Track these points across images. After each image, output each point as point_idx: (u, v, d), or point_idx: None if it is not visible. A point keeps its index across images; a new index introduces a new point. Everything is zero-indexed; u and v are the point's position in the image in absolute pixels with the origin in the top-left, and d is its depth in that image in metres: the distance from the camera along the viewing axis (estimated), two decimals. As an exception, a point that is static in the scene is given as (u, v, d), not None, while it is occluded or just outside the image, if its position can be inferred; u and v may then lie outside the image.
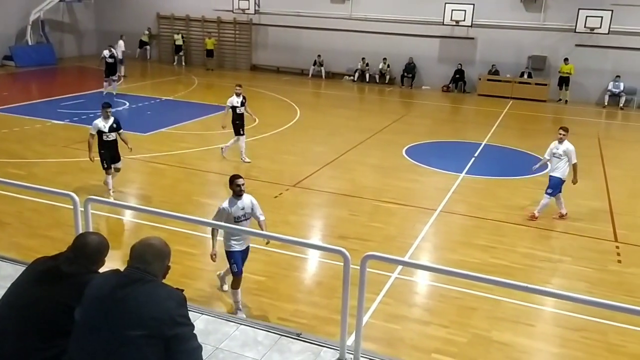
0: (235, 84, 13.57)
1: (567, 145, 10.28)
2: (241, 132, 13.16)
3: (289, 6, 27.28)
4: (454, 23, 24.46)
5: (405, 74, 26.08)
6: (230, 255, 6.74)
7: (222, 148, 13.43)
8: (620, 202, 11.65)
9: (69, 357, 3.11)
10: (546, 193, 10.39)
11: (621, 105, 23.12)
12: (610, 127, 21.11)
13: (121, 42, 24.81)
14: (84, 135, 14.64)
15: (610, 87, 23.30)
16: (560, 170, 10.27)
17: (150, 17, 30.23)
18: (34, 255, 3.82)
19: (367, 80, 26.58)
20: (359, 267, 4.18)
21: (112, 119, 10.41)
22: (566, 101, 23.84)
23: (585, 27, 22.75)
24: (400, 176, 12.80)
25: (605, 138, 17.78)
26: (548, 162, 10.75)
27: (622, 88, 23.07)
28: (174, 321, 3.01)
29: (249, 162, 13.08)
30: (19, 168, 12.05)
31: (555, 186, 10.32)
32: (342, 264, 4.18)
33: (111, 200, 9.87)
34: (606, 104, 23.27)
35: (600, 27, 22.53)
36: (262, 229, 6.75)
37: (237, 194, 6.75)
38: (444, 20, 24.35)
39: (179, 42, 29.38)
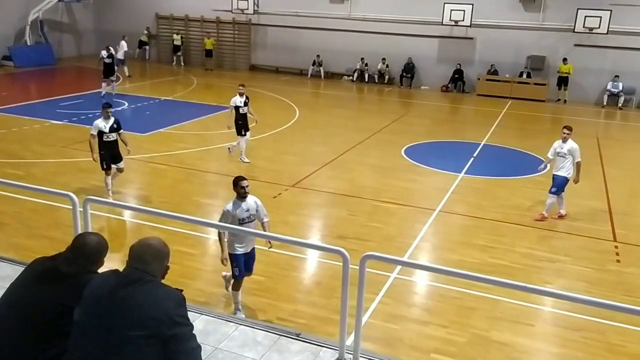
0: (239, 83, 13.54)
1: (571, 144, 10.29)
2: (243, 133, 13.13)
3: (288, 6, 27.28)
4: (453, 23, 24.47)
5: (404, 74, 26.08)
6: (233, 258, 6.68)
7: (229, 148, 13.40)
8: (619, 202, 11.65)
9: (68, 357, 3.10)
10: (550, 192, 10.39)
11: (620, 105, 23.14)
12: (609, 127, 21.13)
13: (123, 43, 24.78)
14: (83, 135, 14.65)
15: (609, 87, 23.32)
16: (565, 169, 10.28)
17: (149, 17, 30.22)
18: (33, 256, 3.81)
19: (366, 80, 26.58)
20: (358, 267, 4.17)
21: (112, 119, 10.39)
22: (565, 101, 23.85)
23: (584, 27, 22.76)
24: (399, 176, 12.81)
25: (604, 138, 17.78)
26: (550, 162, 10.72)
27: (620, 88, 23.09)
28: (173, 321, 3.01)
29: (248, 162, 13.07)
30: (17, 168, 12.04)
31: (560, 185, 10.33)
32: (341, 264, 4.18)
33: (110, 200, 9.86)
34: (605, 103, 23.29)
35: (599, 27, 22.54)
36: (264, 231, 6.72)
37: (242, 195, 6.67)
38: (443, 20, 24.36)
39: (178, 42, 29.36)
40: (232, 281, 6.94)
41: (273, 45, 28.57)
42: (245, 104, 13.09)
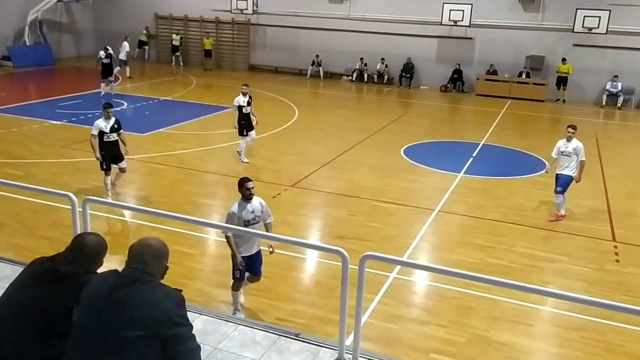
0: (242, 83, 13.51)
1: (576, 143, 10.30)
2: (245, 133, 13.10)
3: (287, 6, 27.28)
4: (452, 23, 24.47)
5: (404, 74, 26.08)
6: (235, 260, 6.63)
7: (238, 152, 13.33)
8: (618, 201, 11.66)
9: (67, 357, 3.11)
10: (557, 192, 10.38)
11: (619, 105, 23.16)
12: (608, 126, 21.14)
13: (125, 44, 24.71)
14: (83, 135, 14.67)
15: (608, 86, 23.34)
16: (570, 168, 10.27)
17: (148, 17, 30.20)
18: (32, 256, 3.81)
19: (366, 80, 26.59)
20: (357, 267, 4.17)
21: (113, 120, 10.37)
22: (564, 100, 23.87)
23: (583, 27, 22.78)
24: (399, 176, 12.81)
25: (603, 138, 17.79)
26: (554, 161, 10.67)
27: (620, 88, 23.11)
28: (172, 321, 3.01)
29: (247, 163, 13.07)
30: (16, 168, 12.03)
31: (565, 184, 10.33)
32: (341, 264, 4.18)
33: (109, 200, 9.86)
34: (604, 103, 23.30)
35: (598, 27, 22.56)
36: (267, 231, 6.69)
37: (247, 197, 6.56)
38: (442, 20, 24.37)
39: (176, 42, 29.34)
40: (242, 296, 6.88)
41: (272, 45, 28.57)
42: (249, 104, 13.07)
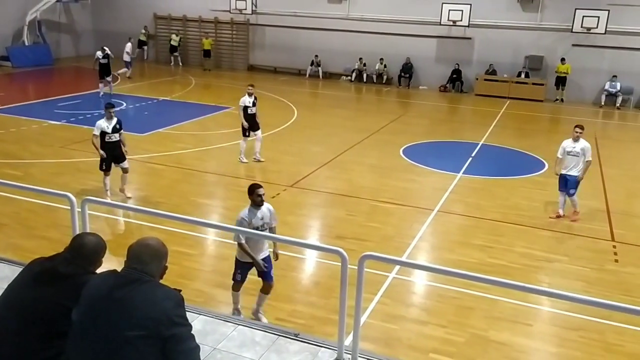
0: (248, 84, 13.44)
1: (584, 142, 10.32)
2: (247, 134, 13.08)
3: (286, 6, 27.28)
4: (451, 23, 24.48)
5: (403, 74, 26.09)
6: (238, 264, 6.59)
7: (254, 158, 13.23)
8: (617, 201, 11.67)
9: (67, 357, 3.11)
10: (570, 195, 10.40)
11: (618, 105, 23.17)
12: (607, 126, 21.15)
13: (129, 44, 24.74)
14: (82, 135, 14.68)
15: (607, 86, 23.35)
16: (578, 168, 10.28)
17: (147, 17, 30.19)
18: (31, 256, 3.81)
19: (365, 80, 26.59)
20: (356, 267, 4.17)
21: (115, 120, 10.33)
22: (562, 100, 23.90)
23: (582, 27, 22.80)
24: (398, 176, 12.81)
25: (602, 138, 17.79)
26: (559, 162, 10.63)
27: (618, 88, 23.12)
28: (172, 321, 3.01)
29: (246, 163, 13.07)
30: (15, 169, 12.02)
31: (576, 185, 10.35)
32: (340, 264, 4.18)
33: (108, 201, 9.85)
34: (603, 103, 23.31)
35: (597, 27, 22.58)
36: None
37: (258, 204, 6.45)
38: (441, 20, 24.38)
39: (175, 42, 29.33)
40: (236, 295, 6.82)
41: (271, 46, 28.57)
42: (254, 104, 13.04)
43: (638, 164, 15.22)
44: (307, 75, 27.52)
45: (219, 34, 29.45)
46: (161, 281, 3.27)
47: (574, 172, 10.30)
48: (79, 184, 11.13)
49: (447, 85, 25.63)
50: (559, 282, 8.25)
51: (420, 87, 26.19)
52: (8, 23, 26.85)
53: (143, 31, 29.80)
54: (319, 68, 27.31)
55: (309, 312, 7.06)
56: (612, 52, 23.24)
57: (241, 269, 6.61)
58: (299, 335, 4.66)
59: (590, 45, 23.39)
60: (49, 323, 3.26)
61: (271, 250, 6.74)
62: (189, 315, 3.21)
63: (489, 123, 19.03)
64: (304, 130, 17.10)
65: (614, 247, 9.49)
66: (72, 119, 16.58)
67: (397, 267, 8.11)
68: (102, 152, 10.21)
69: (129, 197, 10.60)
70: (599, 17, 22.42)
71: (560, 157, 10.54)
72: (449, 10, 24.16)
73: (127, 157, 10.71)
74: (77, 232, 4.92)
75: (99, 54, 19.93)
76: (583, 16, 22.61)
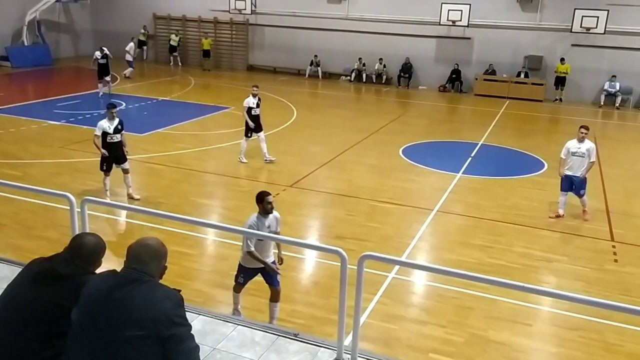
0: (252, 84, 13.41)
1: (589, 143, 10.36)
2: (249, 135, 13.06)
3: (285, 6, 27.28)
4: (451, 23, 24.48)
5: (402, 74, 26.09)
6: (242, 269, 6.54)
7: (265, 159, 13.15)
8: (616, 201, 11.67)
9: (66, 357, 3.10)
10: (580, 196, 10.44)
11: (617, 105, 23.18)
12: (607, 126, 21.16)
13: (132, 44, 24.75)
14: (81, 135, 14.68)
15: (606, 86, 23.35)
16: (583, 169, 10.31)
17: (146, 17, 30.18)
18: (31, 256, 3.80)
19: (364, 80, 26.59)
20: (356, 267, 4.17)
21: (117, 120, 10.29)
22: (560, 100, 23.91)
23: (581, 27, 22.81)
24: (397, 176, 12.81)
25: (602, 138, 17.79)
26: (562, 162, 10.61)
27: (618, 88, 23.13)
28: (171, 321, 3.00)
29: (245, 163, 13.07)
30: (15, 169, 12.02)
31: (584, 185, 10.40)
32: (339, 264, 4.17)
33: (108, 201, 9.84)
34: (602, 103, 23.32)
35: (596, 27, 22.59)
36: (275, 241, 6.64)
37: (268, 212, 6.40)
38: (440, 20, 24.38)
39: (174, 42, 29.32)
40: (237, 296, 6.78)
41: (271, 46, 28.57)
42: (258, 106, 13.02)
43: (637, 164, 15.23)
44: (307, 75, 27.51)
45: (218, 34, 29.45)
46: (161, 281, 3.27)
47: (580, 173, 10.32)
48: (79, 184, 11.12)
49: (447, 85, 25.63)
50: (559, 282, 8.25)
51: (420, 87, 26.20)
52: (7, 23, 26.84)
53: (142, 31, 29.77)
54: (319, 68, 27.31)
55: (308, 312, 7.06)
56: (611, 52, 23.26)
57: (244, 273, 6.56)
58: (299, 335, 4.66)
59: (589, 45, 23.41)
60: (48, 323, 3.26)
61: (275, 251, 6.71)
62: (188, 315, 3.21)
63: (488, 123, 19.04)
64: (303, 130, 17.10)
65: (614, 247, 9.49)
66: (71, 119, 16.58)
67: (397, 267, 8.11)
68: (103, 151, 10.19)
69: (138, 199, 10.54)
70: (598, 17, 22.43)
71: (563, 157, 10.52)
72: (449, 10, 24.16)
73: (127, 157, 10.69)
74: (77, 232, 4.91)
75: (98, 54, 19.91)
76: (582, 16, 22.63)
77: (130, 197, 10.53)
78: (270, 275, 6.53)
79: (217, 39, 29.33)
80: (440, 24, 24.61)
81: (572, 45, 23.66)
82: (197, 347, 3.12)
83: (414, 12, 25.19)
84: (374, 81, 26.57)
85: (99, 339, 2.98)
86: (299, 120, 18.26)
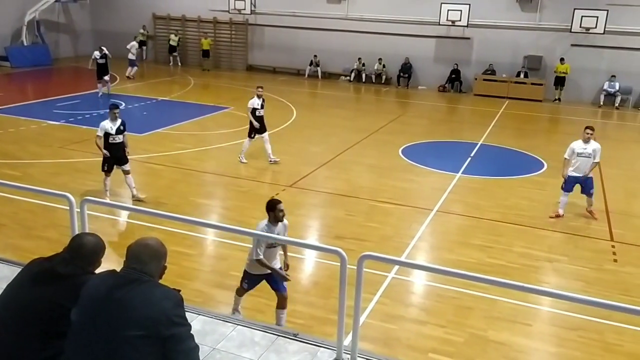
0: (257, 85, 13.34)
1: (595, 144, 10.34)
2: (252, 136, 13.01)
3: (285, 6, 27.28)
4: (450, 23, 24.49)
5: (402, 74, 26.10)
6: (248, 276, 6.46)
7: (270, 160, 13.10)
8: (616, 201, 11.67)
9: (66, 357, 3.10)
10: (590, 195, 10.48)
11: (617, 105, 23.19)
12: (606, 126, 21.15)
13: (134, 43, 24.74)
14: (80, 136, 14.67)
15: (605, 86, 23.36)
16: (588, 169, 10.33)
17: (146, 17, 30.17)
18: (30, 257, 3.80)
19: (364, 80, 26.60)
20: (355, 267, 4.17)
21: (119, 121, 10.24)
22: (559, 99, 23.93)
23: (580, 27, 22.81)
24: (397, 176, 12.81)
25: (601, 137, 17.67)
26: (567, 163, 10.59)
27: (617, 88, 23.14)
28: (171, 321, 3.01)
29: (245, 163, 13.06)
30: (14, 169, 12.01)
31: (593, 184, 10.44)
32: (339, 264, 4.17)
33: (107, 201, 9.84)
34: (602, 103, 23.33)
35: (596, 27, 22.60)
36: (284, 248, 6.60)
37: (280, 220, 6.30)
38: (440, 20, 24.39)
39: (173, 42, 29.32)
40: (238, 299, 6.72)
41: (270, 46, 28.57)
42: (262, 106, 12.99)
43: (637, 164, 15.24)
44: (306, 75, 27.51)
45: (217, 34, 29.44)
46: (160, 281, 3.27)
47: (589, 174, 10.36)
48: (78, 184, 11.12)
49: (446, 85, 25.63)
50: (558, 282, 8.26)
51: (419, 87, 26.20)
52: (7, 23, 26.84)
53: (142, 31, 29.73)
54: (318, 68, 27.31)
55: (308, 312, 7.06)
56: (610, 52, 23.27)
57: (249, 280, 6.49)
58: (298, 335, 4.66)
59: (589, 45, 23.42)
60: (47, 323, 3.26)
61: (281, 253, 6.66)
62: (188, 315, 3.21)
63: (487, 123, 19.04)
64: (303, 130, 17.10)
65: (613, 247, 9.50)
66: (71, 119, 16.57)
67: (396, 267, 8.11)
68: (105, 151, 10.16)
69: (143, 199, 10.48)
70: (597, 17, 22.44)
71: (567, 158, 10.50)
72: (448, 10, 24.17)
73: (128, 158, 10.64)
74: (76, 232, 4.91)
75: (97, 54, 19.88)
76: (582, 16, 22.64)
77: (137, 199, 10.45)
78: (276, 281, 6.46)
79: (216, 39, 29.32)
80: (439, 24, 24.61)
81: (572, 45, 23.67)
82: (196, 347, 3.13)
83: (414, 12, 25.20)
84: (374, 81, 26.57)
85: (98, 339, 2.98)
86: (298, 120, 18.26)
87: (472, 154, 14.86)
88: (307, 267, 8.53)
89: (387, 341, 6.56)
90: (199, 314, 4.86)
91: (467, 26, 24.44)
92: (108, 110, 10.39)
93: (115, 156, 10.29)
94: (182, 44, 29.75)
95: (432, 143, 16.25)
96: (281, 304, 6.53)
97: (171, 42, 29.31)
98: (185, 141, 14.97)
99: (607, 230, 10.19)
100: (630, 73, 23.05)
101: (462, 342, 6.56)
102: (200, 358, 3.21)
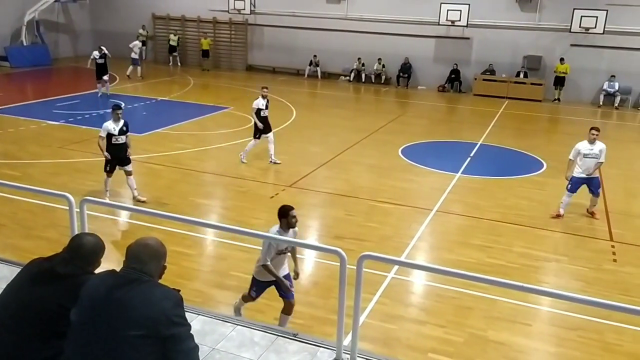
0: (262, 86, 13.32)
1: (601, 144, 10.37)
2: (257, 137, 13.00)
3: (284, 6, 27.28)
4: (450, 23, 24.50)
5: (401, 74, 26.10)
6: (257, 283, 6.36)
7: (270, 160, 13.10)
8: (615, 201, 11.67)
9: (66, 357, 3.10)
10: (597, 195, 10.49)
11: (616, 104, 23.20)
12: (606, 126, 21.08)
13: (137, 42, 24.73)
14: (80, 136, 14.67)
15: (605, 86, 23.37)
16: (595, 168, 10.35)
17: (145, 17, 30.17)
18: (30, 257, 3.80)
19: (363, 80, 26.60)
20: (355, 267, 4.17)
21: (122, 122, 10.21)
22: (559, 99, 23.93)
23: (580, 27, 22.82)
24: (396, 176, 12.81)
25: (601, 137, 17.68)
26: (571, 164, 10.58)
27: (617, 88, 23.15)
28: (171, 321, 3.01)
29: (245, 163, 13.06)
30: (14, 169, 12.01)
31: (599, 184, 10.46)
32: (339, 264, 4.17)
33: (107, 201, 9.84)
34: (601, 103, 23.34)
35: (595, 27, 22.61)
36: (293, 256, 6.51)
37: (292, 226, 6.19)
38: (439, 20, 24.40)
39: (174, 42, 29.32)
40: (240, 306, 6.65)
41: (270, 46, 28.57)
42: (267, 107, 12.98)
43: (636, 164, 15.25)
44: (306, 75, 27.51)
45: (217, 34, 29.44)
46: (160, 281, 3.27)
47: (595, 174, 10.37)
48: (78, 184, 11.11)
49: (446, 85, 25.64)
50: (558, 281, 8.26)
51: (419, 87, 26.21)
52: (6, 23, 26.84)
53: (142, 31, 29.66)
54: (318, 68, 27.31)
55: (307, 312, 7.05)
56: (610, 52, 23.28)
57: (257, 287, 6.38)
58: (298, 335, 4.66)
59: (588, 45, 23.43)
60: (47, 323, 3.26)
61: (289, 254, 6.57)
62: (187, 315, 3.21)
63: (487, 123, 19.04)
64: (302, 130, 17.10)
65: (613, 246, 9.50)
66: (70, 119, 16.57)
67: (396, 267, 8.11)
68: (106, 154, 10.14)
69: (144, 201, 10.46)
70: (597, 17, 22.45)
71: (572, 159, 10.50)
72: (448, 10, 24.18)
73: (131, 159, 10.61)
74: (76, 232, 4.91)
75: (96, 53, 19.86)
76: (581, 16, 22.64)
77: (137, 201, 10.43)
78: (284, 288, 6.37)
79: (216, 39, 29.32)
80: (439, 24, 24.62)
81: (571, 45, 23.68)
82: (196, 347, 3.13)
83: (413, 12, 25.20)
84: (373, 81, 26.58)
85: (98, 339, 2.98)
86: (298, 120, 18.26)
87: (471, 154, 14.86)
88: (306, 267, 8.53)
89: (386, 341, 6.56)
90: (199, 314, 4.86)
91: (466, 26, 24.45)
92: (111, 111, 10.36)
93: (118, 157, 10.27)
94: (182, 44, 29.74)
95: (432, 143, 16.25)
96: (287, 310, 6.47)
97: (171, 42, 29.31)
98: (185, 141, 14.97)
99: (606, 230, 10.19)
100: (630, 73, 23.06)
101: (462, 342, 6.56)
102: (200, 358, 3.21)
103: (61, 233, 7.88)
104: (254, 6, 27.92)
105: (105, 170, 10.30)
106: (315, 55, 27.19)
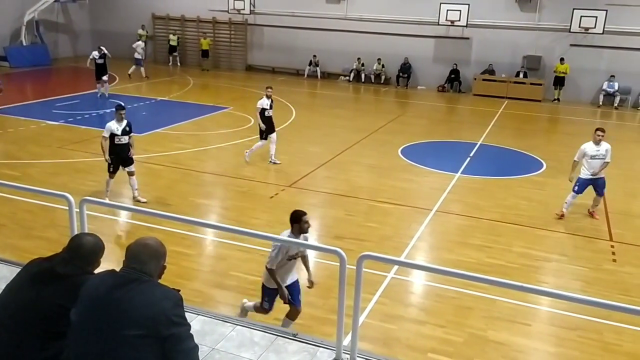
0: (266, 86, 13.29)
1: (606, 145, 10.39)
2: (264, 137, 12.97)
3: (284, 6, 27.28)
4: (449, 23, 24.50)
5: (401, 74, 26.11)
6: (267, 291, 6.28)
7: (270, 161, 13.09)
8: (615, 201, 11.67)
9: (66, 357, 3.10)
10: (601, 195, 10.52)
11: (616, 104, 23.20)
12: (605, 126, 20.74)
13: (140, 42, 24.71)
14: (80, 136, 14.67)
15: (604, 86, 23.37)
16: (603, 170, 10.36)
17: (145, 17, 30.15)
18: (29, 257, 3.80)
19: (363, 80, 26.61)
20: (355, 267, 4.17)
21: (125, 122, 10.19)
22: (558, 99, 23.94)
23: (579, 27, 22.83)
24: (396, 176, 12.81)
25: (600, 137, 17.82)
26: (575, 165, 10.58)
27: (616, 88, 23.16)
28: (171, 321, 3.01)
29: (247, 162, 13.04)
30: (13, 169, 12.00)
31: (604, 186, 10.47)
32: (338, 264, 4.17)
33: (106, 201, 9.83)
34: (601, 103, 23.35)
35: (595, 27, 22.61)
36: (305, 263, 6.43)
37: (304, 231, 6.11)
38: (439, 20, 24.40)
39: (174, 42, 29.32)
40: (249, 312, 6.55)
41: (269, 46, 28.57)
42: (271, 107, 12.97)
43: (636, 164, 15.25)
44: (306, 76, 27.51)
45: (217, 34, 29.44)
46: (160, 281, 3.27)
47: (602, 175, 10.38)
48: (77, 184, 11.11)
49: (445, 85, 25.64)
50: (557, 281, 8.26)
51: (419, 87, 26.21)
52: (6, 23, 26.83)
53: (141, 31, 29.62)
54: (317, 68, 27.31)
55: (307, 312, 7.04)
56: (610, 52, 23.28)
57: (268, 296, 6.28)
58: (298, 335, 4.66)
59: (588, 45, 23.43)
60: (47, 323, 3.26)
61: (299, 259, 6.44)
62: (187, 315, 3.21)
63: (487, 123, 19.05)
64: (302, 130, 17.10)
65: (612, 246, 9.50)
66: (70, 119, 16.56)
67: (396, 267, 8.11)
68: (107, 157, 10.12)
69: (145, 202, 10.45)
70: (596, 17, 22.46)
71: (577, 160, 10.51)
72: (447, 10, 24.18)
73: (133, 160, 10.59)
74: (75, 232, 4.91)
75: (96, 53, 19.84)
76: (581, 16, 22.65)
77: (137, 201, 10.42)
78: (292, 294, 6.30)
79: (215, 39, 29.32)
80: (438, 24, 24.62)
81: (571, 45, 23.69)
82: (196, 347, 3.13)
83: (413, 12, 25.20)
84: (373, 81, 26.58)
85: (98, 339, 2.98)
86: (297, 120, 18.26)
87: (471, 154, 14.86)
88: (306, 267, 8.52)
89: (386, 341, 6.56)
90: (199, 314, 4.86)
91: (466, 26, 24.45)
92: (114, 111, 10.34)
93: (120, 157, 10.26)
94: (182, 44, 29.74)
95: (432, 143, 16.26)
96: (292, 316, 6.40)
97: (171, 42, 29.31)
98: (185, 141, 14.97)
99: (606, 230, 10.19)
100: (629, 73, 23.06)
101: (462, 342, 6.56)
102: (200, 358, 3.21)
103: (61, 233, 7.88)
104: (254, 6, 27.92)
105: (109, 171, 10.29)
106: (314, 55, 27.19)
